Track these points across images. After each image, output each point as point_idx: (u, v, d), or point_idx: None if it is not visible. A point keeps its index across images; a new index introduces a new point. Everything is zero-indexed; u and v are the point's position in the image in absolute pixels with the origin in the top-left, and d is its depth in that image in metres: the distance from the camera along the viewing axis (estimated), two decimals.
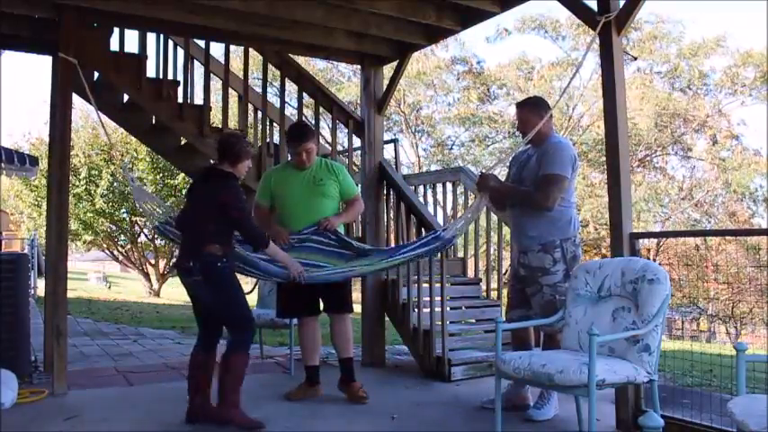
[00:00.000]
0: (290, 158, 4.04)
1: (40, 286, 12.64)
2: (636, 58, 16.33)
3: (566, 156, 3.48)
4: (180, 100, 5.16)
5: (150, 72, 5.06)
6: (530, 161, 3.62)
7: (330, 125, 6.40)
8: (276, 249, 3.47)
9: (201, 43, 5.24)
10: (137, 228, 16.37)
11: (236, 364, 3.27)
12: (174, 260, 3.48)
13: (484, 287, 5.53)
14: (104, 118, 4.94)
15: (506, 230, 5.35)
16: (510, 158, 3.96)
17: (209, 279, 3.23)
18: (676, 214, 17.47)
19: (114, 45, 4.87)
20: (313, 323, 4.01)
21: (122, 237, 16.79)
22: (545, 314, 3.40)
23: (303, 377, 4.03)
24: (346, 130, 5.57)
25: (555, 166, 3.44)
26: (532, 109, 3.61)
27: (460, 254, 5.79)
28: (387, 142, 6.68)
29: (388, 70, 5.56)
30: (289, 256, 3.55)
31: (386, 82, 5.47)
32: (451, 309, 4.97)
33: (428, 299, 4.60)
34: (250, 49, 5.43)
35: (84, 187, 14.87)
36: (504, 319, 3.86)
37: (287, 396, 3.92)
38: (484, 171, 3.60)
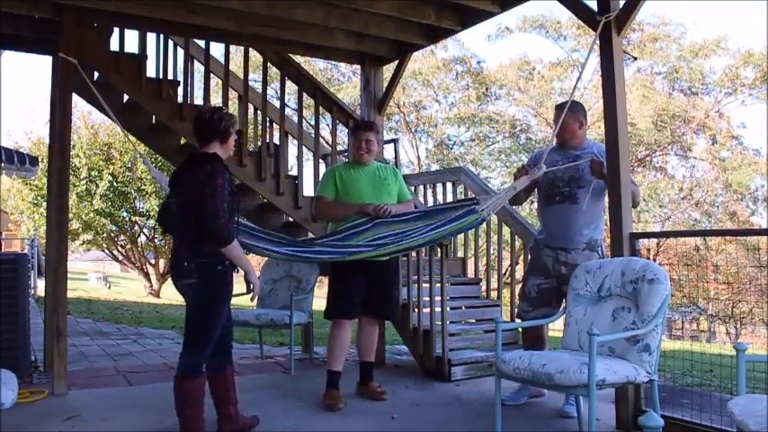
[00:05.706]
0: (346, 159, 4.10)
1: (40, 286, 12.64)
2: (636, 59, 16.33)
3: None
4: (180, 100, 5.16)
5: (150, 72, 5.05)
6: (578, 161, 3.58)
7: (330, 125, 6.40)
8: (240, 254, 2.94)
9: (201, 43, 5.23)
10: (137, 228, 16.37)
11: (194, 392, 2.92)
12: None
13: (484, 287, 5.53)
14: (105, 118, 4.94)
15: (506, 230, 5.35)
16: (536, 157, 3.80)
17: (204, 283, 2.86)
18: (676, 214, 17.47)
19: (114, 45, 4.86)
20: (349, 327, 3.99)
21: (122, 237, 16.77)
22: None
23: (324, 381, 3.87)
24: (346, 130, 5.56)
25: None
26: (571, 113, 3.61)
27: (460, 254, 5.78)
28: (387, 142, 6.68)
29: (388, 70, 5.56)
30: (250, 265, 3.02)
31: (386, 82, 5.47)
32: (451, 309, 4.97)
33: (428, 299, 4.60)
34: (250, 49, 5.43)
35: (84, 187, 14.87)
36: (522, 317, 3.80)
37: (329, 407, 3.70)
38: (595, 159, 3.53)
